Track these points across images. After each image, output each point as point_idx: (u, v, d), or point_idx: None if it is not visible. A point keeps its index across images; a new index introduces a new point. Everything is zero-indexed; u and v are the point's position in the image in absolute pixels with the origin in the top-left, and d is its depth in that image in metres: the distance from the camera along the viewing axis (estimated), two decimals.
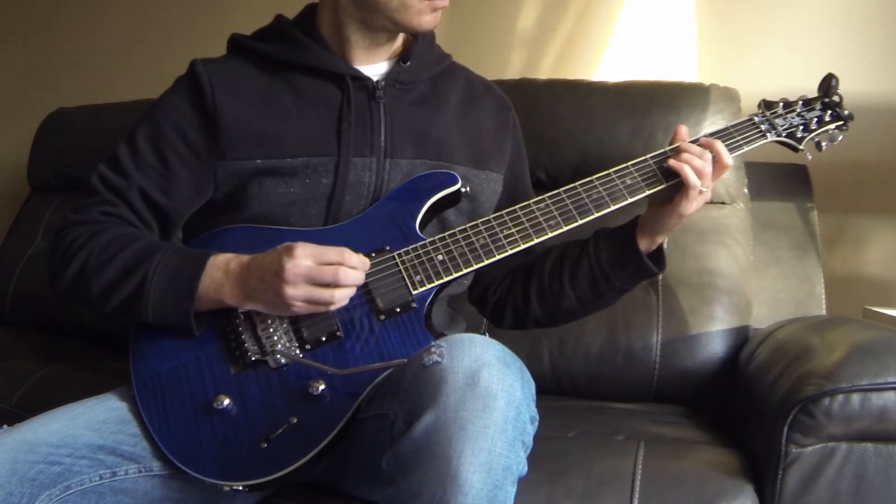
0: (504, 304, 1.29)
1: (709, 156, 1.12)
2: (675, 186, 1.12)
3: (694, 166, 1.10)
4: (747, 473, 1.10)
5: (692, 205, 1.11)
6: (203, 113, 1.15)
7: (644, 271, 1.18)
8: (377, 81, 1.18)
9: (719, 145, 1.13)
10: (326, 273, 1.01)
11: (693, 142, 1.15)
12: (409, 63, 1.21)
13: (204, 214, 1.19)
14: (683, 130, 1.16)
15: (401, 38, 1.23)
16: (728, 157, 1.13)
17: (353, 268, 1.02)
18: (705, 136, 1.16)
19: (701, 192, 1.11)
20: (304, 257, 1.01)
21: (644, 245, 1.16)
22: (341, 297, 1.02)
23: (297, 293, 1.01)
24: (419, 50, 1.22)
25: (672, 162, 1.12)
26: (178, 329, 1.06)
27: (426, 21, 1.14)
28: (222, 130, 1.14)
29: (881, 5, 1.77)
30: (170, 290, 1.05)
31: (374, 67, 1.21)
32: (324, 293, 1.01)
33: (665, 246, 1.21)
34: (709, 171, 1.11)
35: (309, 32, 1.19)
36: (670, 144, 1.16)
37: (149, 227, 1.17)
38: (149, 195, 1.15)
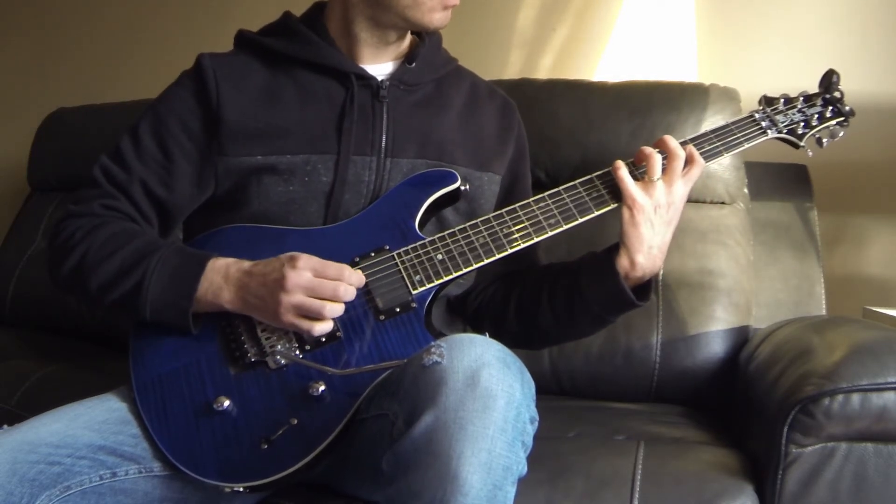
0: (484, 312, 1.27)
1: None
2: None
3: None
4: (747, 473, 1.10)
5: (629, 214, 1.09)
6: (206, 107, 1.15)
7: (620, 295, 1.10)
8: (381, 81, 1.18)
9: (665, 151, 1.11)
10: (327, 287, 1.01)
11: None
12: (414, 64, 1.21)
13: (204, 212, 1.19)
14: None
15: (408, 39, 1.23)
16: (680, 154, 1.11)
17: (350, 285, 1.03)
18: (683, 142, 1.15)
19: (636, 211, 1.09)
20: (306, 269, 1.01)
21: (624, 263, 1.10)
22: (331, 312, 1.02)
23: (292, 300, 1.01)
24: (425, 52, 1.22)
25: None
26: (176, 328, 1.06)
27: (437, 19, 1.14)
28: (224, 126, 1.14)
29: (881, 5, 1.76)
30: (168, 289, 1.05)
31: (380, 67, 1.21)
32: (315, 304, 1.01)
33: (661, 277, 1.19)
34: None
35: (316, 29, 1.19)
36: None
37: (149, 222, 1.17)
38: (150, 188, 1.15)
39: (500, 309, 1.24)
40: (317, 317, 1.02)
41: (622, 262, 1.10)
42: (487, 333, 1.21)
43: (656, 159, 1.11)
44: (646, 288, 1.13)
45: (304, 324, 1.02)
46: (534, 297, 1.20)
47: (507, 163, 1.28)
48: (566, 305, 1.16)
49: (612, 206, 1.13)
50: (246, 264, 1.06)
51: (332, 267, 1.03)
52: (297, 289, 1.01)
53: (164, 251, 1.07)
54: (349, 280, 1.03)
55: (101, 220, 1.12)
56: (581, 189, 1.14)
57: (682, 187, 1.12)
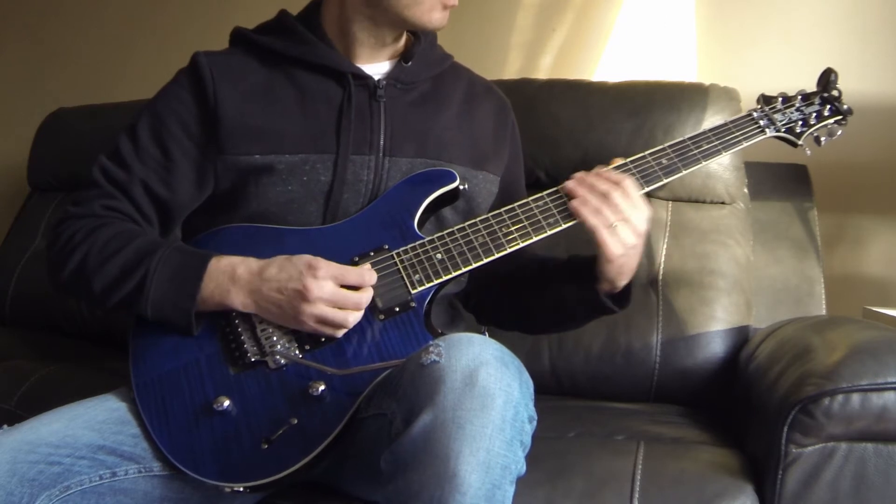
0: (482, 312, 1.32)
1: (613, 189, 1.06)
2: (685, 179, 1.15)
3: (590, 206, 1.05)
4: (747, 473, 1.10)
5: (607, 249, 1.04)
6: (204, 105, 1.15)
7: (608, 311, 1.14)
8: (378, 80, 1.18)
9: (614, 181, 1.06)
10: (349, 298, 1.02)
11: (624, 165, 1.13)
12: (410, 63, 1.21)
13: (203, 212, 1.19)
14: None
15: (404, 38, 1.23)
16: (628, 193, 1.05)
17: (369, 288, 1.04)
18: (617, 166, 1.12)
19: (613, 225, 1.04)
20: (328, 278, 1.01)
21: (606, 288, 1.11)
22: (354, 320, 1.03)
23: (315, 312, 1.01)
24: (421, 50, 1.22)
25: (571, 204, 1.07)
26: (177, 327, 1.06)
27: (436, 19, 1.14)
28: (222, 124, 1.14)
29: (881, 5, 1.77)
30: (171, 289, 1.05)
31: (376, 66, 1.21)
32: (338, 315, 1.02)
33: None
34: (604, 207, 1.04)
35: (313, 29, 1.19)
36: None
37: (149, 222, 1.16)
38: (151, 188, 1.15)
39: (497, 312, 1.29)
40: (340, 326, 1.03)
41: (604, 287, 1.12)
42: (486, 332, 1.23)
43: (601, 212, 1.05)
44: (625, 291, 1.14)
45: (327, 331, 1.03)
46: (527, 306, 1.24)
47: (503, 164, 1.28)
48: (560, 316, 1.22)
49: None
50: (254, 265, 1.05)
51: (353, 273, 1.03)
52: (320, 301, 1.01)
53: (165, 250, 1.07)
54: (369, 282, 1.04)
55: (102, 221, 1.12)
56: None
57: (631, 208, 1.05)
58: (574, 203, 1.07)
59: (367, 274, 1.04)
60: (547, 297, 1.21)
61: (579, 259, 1.18)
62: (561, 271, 1.20)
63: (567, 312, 1.20)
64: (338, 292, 1.01)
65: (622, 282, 1.11)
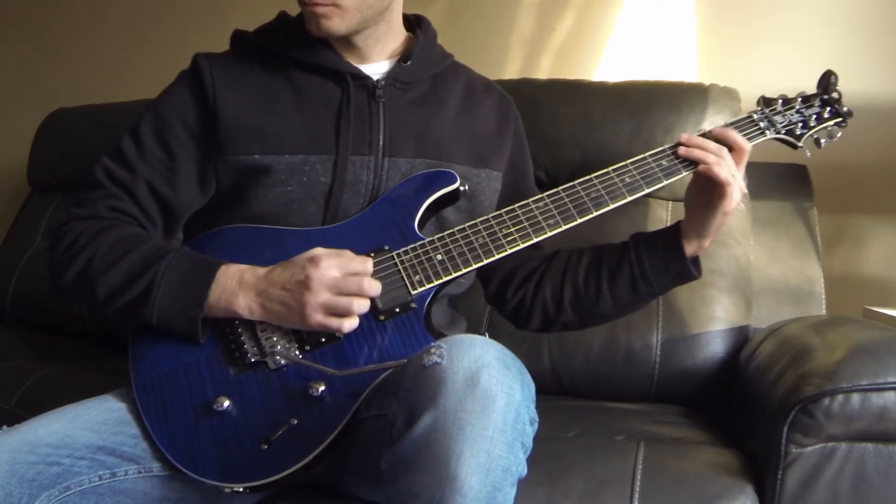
0: (531, 307, 1.25)
1: (723, 148, 1.12)
2: (684, 181, 1.14)
3: (710, 161, 1.10)
4: (747, 473, 1.10)
5: (730, 201, 1.10)
6: (204, 105, 1.15)
7: (685, 276, 1.17)
8: (377, 80, 1.18)
9: (731, 133, 1.13)
10: (351, 283, 1.01)
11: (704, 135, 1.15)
12: (409, 62, 1.21)
13: (204, 213, 1.19)
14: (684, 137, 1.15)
15: (401, 37, 1.24)
16: (744, 142, 1.13)
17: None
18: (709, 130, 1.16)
19: (734, 176, 1.10)
20: (331, 267, 1.01)
21: (692, 249, 1.15)
22: (360, 308, 1.02)
23: (319, 300, 1.01)
24: (419, 50, 1.22)
25: (689, 152, 1.12)
26: (183, 335, 1.06)
27: (313, 29, 1.12)
28: (221, 124, 1.14)
29: (881, 5, 1.77)
30: (178, 296, 1.04)
31: (375, 66, 1.21)
32: (342, 301, 1.01)
33: None
34: (730, 159, 1.11)
35: None
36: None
37: (153, 224, 1.16)
38: (156, 188, 1.15)
39: (552, 303, 1.23)
40: (345, 313, 1.02)
41: (690, 248, 1.15)
42: (534, 325, 1.24)
43: (733, 161, 1.12)
44: (695, 258, 1.19)
45: (334, 322, 1.02)
46: (590, 287, 1.20)
47: (506, 159, 1.28)
48: (630, 292, 1.19)
49: (610, 206, 1.13)
50: (261, 270, 1.05)
51: (356, 262, 1.03)
52: (323, 288, 1.00)
53: (173, 257, 1.07)
54: (371, 271, 1.03)
55: (108, 224, 1.11)
56: (580, 190, 1.14)
57: (739, 167, 1.14)
58: (697, 153, 1.12)
59: (371, 262, 1.05)
60: (623, 288, 1.18)
61: (656, 231, 1.19)
62: (636, 245, 1.18)
63: (648, 295, 1.19)
64: (340, 278, 1.01)
65: (708, 241, 1.16)
